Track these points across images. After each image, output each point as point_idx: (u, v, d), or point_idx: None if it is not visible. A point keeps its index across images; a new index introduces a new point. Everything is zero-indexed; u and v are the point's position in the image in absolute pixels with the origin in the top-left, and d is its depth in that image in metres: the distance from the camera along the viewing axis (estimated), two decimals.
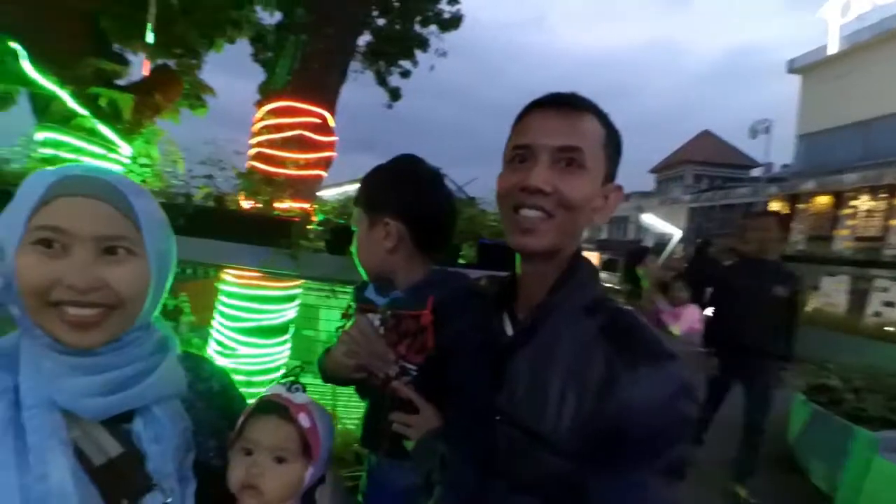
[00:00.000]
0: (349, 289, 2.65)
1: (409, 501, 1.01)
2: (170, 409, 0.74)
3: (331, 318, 3.16)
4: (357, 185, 1.22)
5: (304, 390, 0.91)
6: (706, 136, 34.87)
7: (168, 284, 0.76)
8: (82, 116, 2.94)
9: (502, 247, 2.30)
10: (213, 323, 2.96)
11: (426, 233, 1.13)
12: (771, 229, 3.35)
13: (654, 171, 36.94)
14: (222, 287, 2.91)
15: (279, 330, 2.99)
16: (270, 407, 0.85)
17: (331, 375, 1.17)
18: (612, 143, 0.82)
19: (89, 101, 3.00)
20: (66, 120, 2.94)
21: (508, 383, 0.81)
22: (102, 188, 0.67)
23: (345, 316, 1.19)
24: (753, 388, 3.33)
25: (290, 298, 3.04)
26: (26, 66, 2.99)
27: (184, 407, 0.78)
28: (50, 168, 0.69)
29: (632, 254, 3.87)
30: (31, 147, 2.75)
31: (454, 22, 6.80)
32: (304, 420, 0.85)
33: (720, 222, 24.04)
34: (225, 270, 2.85)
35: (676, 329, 3.64)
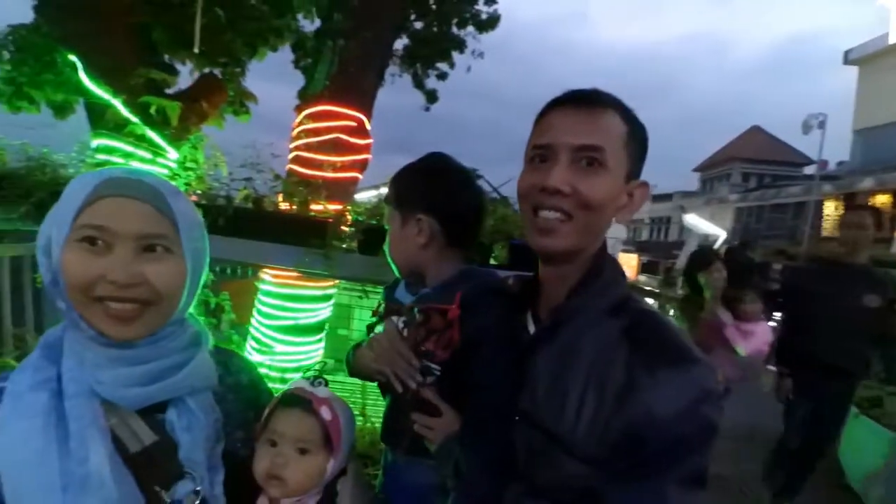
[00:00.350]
0: (380, 289, 2.70)
1: (426, 500, 1.02)
2: (202, 400, 0.78)
3: (364, 318, 3.22)
4: (386, 189, 1.25)
5: (327, 385, 0.94)
6: (755, 132, 33.45)
7: (202, 282, 0.80)
8: (134, 124, 3.11)
9: None
10: (252, 321, 3.07)
11: (458, 228, 1.14)
12: (867, 227, 2.81)
13: (698, 169, 35.72)
14: (261, 286, 3.02)
15: (314, 328, 3.07)
16: (294, 400, 0.88)
17: (356, 372, 1.20)
18: (636, 139, 0.80)
19: (140, 109, 3.18)
20: (119, 127, 3.12)
21: (530, 383, 0.81)
22: (143, 189, 0.71)
23: (375, 314, 1.21)
24: (828, 410, 2.95)
25: (325, 298, 3.12)
26: (83, 77, 3.20)
27: (214, 399, 0.81)
28: (94, 171, 0.74)
29: (695, 257, 3.44)
30: (86, 153, 2.93)
31: (491, 22, 6.75)
32: (325, 413, 0.88)
33: (770, 223, 22.99)
34: (263, 270, 2.95)
35: (743, 349, 3.19)
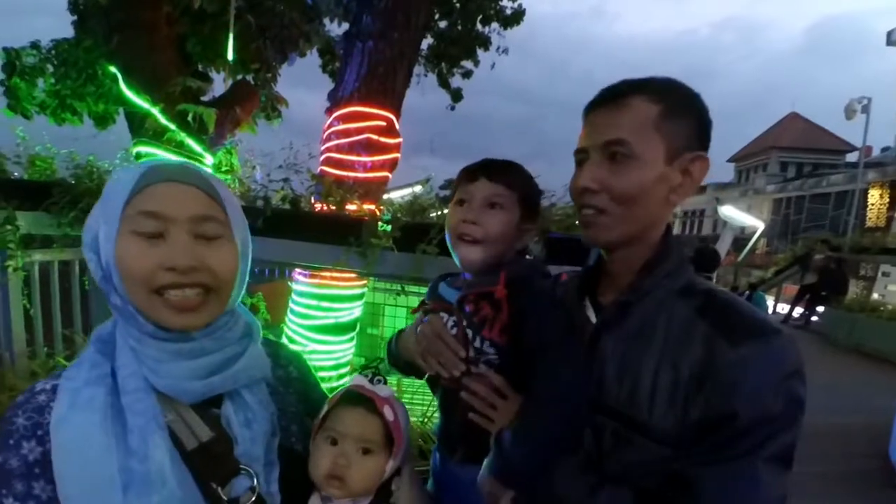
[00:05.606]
0: (417, 287, 2.70)
1: None
2: (259, 393, 0.76)
3: (395, 316, 3.24)
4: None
5: (386, 383, 0.91)
6: (794, 119, 32.06)
7: (247, 271, 0.78)
8: (172, 131, 3.21)
9: (573, 240, 2.22)
10: (286, 321, 3.12)
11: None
12: None
13: (733, 160, 34.53)
14: (294, 287, 3.07)
15: (347, 327, 3.10)
16: (357, 398, 0.85)
17: (397, 363, 1.13)
18: (674, 113, 0.77)
19: (178, 117, 3.27)
20: (158, 135, 3.23)
21: (597, 369, 0.80)
22: (190, 174, 0.70)
23: (415, 312, 1.13)
24: None
25: (357, 297, 3.14)
26: (123, 88, 3.32)
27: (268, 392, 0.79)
28: (136, 163, 0.73)
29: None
30: (129, 160, 3.03)
31: (516, 17, 6.63)
32: (388, 413, 0.84)
33: (810, 213, 22.09)
34: (296, 271, 2.99)
35: None
